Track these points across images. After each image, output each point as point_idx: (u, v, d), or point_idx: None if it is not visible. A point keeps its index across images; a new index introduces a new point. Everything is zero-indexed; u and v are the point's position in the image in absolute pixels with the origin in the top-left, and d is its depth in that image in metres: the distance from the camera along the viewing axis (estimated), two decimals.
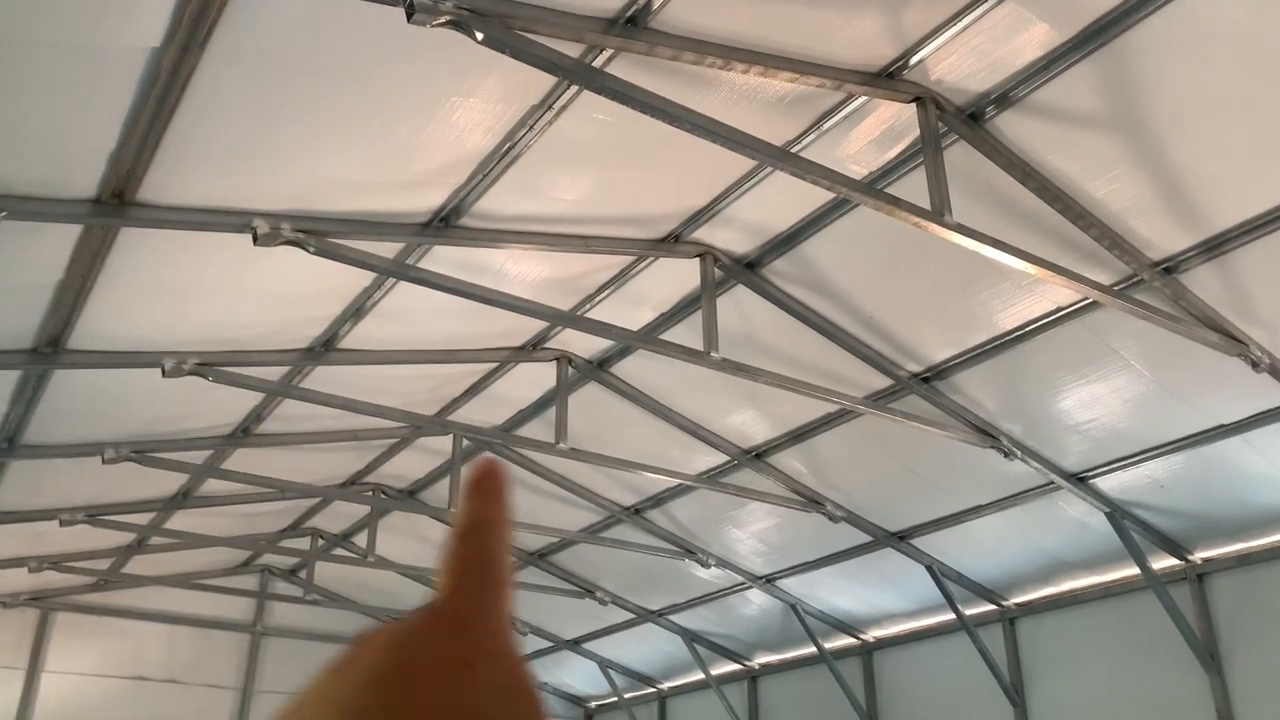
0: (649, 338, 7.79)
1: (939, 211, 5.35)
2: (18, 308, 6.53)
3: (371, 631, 0.49)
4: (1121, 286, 6.58)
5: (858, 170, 6.20)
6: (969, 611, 10.67)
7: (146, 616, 13.78)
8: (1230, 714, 8.72)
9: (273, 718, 0.45)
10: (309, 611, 14.47)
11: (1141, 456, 8.21)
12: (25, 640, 13.01)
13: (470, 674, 0.46)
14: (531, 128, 5.59)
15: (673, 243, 7.18)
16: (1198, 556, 9.23)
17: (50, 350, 6.99)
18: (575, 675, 15.62)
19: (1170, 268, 6.46)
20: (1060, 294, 6.88)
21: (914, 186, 5.75)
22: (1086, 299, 6.77)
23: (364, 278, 6.98)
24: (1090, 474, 8.54)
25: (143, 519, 11.06)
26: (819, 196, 6.54)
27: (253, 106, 5.12)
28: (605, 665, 14.90)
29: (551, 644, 14.69)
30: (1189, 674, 9.00)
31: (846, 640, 12.28)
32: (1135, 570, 9.17)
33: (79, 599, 13.38)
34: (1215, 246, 6.27)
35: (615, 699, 15.31)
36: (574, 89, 5.29)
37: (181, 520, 11.49)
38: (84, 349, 7.14)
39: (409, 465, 11.07)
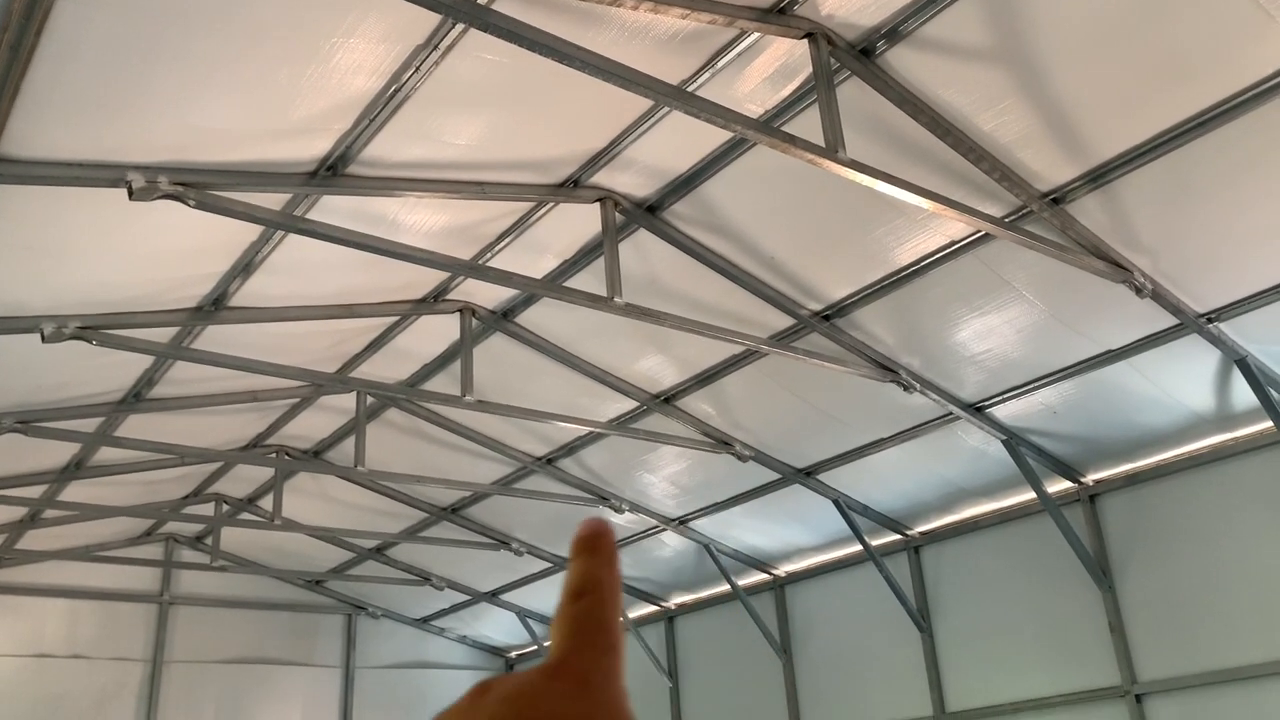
0: (552, 285, 7.71)
1: (833, 148, 5.37)
2: None
3: (492, 681, 0.51)
4: (1012, 219, 6.72)
5: (753, 109, 6.18)
6: (875, 542, 10.96)
7: (46, 592, 13.32)
8: (1121, 626, 9.16)
9: None
10: (218, 578, 14.16)
11: (1035, 384, 8.47)
12: None
13: None
14: (418, 69, 5.42)
15: (572, 187, 7.09)
16: (1089, 478, 9.61)
17: None
18: (494, 627, 15.67)
19: (1058, 199, 6.62)
20: (954, 228, 7.00)
21: (809, 124, 5.76)
22: (979, 232, 6.91)
23: (251, 232, 6.74)
24: (987, 403, 8.79)
25: (35, 492, 10.63)
26: (716, 137, 6.51)
27: (119, 52, 4.86)
28: (524, 615, 14.97)
29: (469, 597, 14.68)
30: (1083, 591, 9.41)
31: (759, 576, 12.53)
32: (1032, 495, 9.51)
33: None
34: (1099, 176, 6.43)
35: (535, 648, 15.41)
36: (460, 27, 5.14)
37: (78, 491, 11.09)
38: None
39: (312, 425, 10.84)
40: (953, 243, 7.18)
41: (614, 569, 0.57)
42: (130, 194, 5.26)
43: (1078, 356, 8.11)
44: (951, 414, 8.85)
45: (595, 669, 0.51)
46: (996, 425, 8.97)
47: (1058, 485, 9.64)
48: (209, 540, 13.76)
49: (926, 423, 9.17)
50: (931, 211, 6.12)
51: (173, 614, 14.13)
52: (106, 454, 10.40)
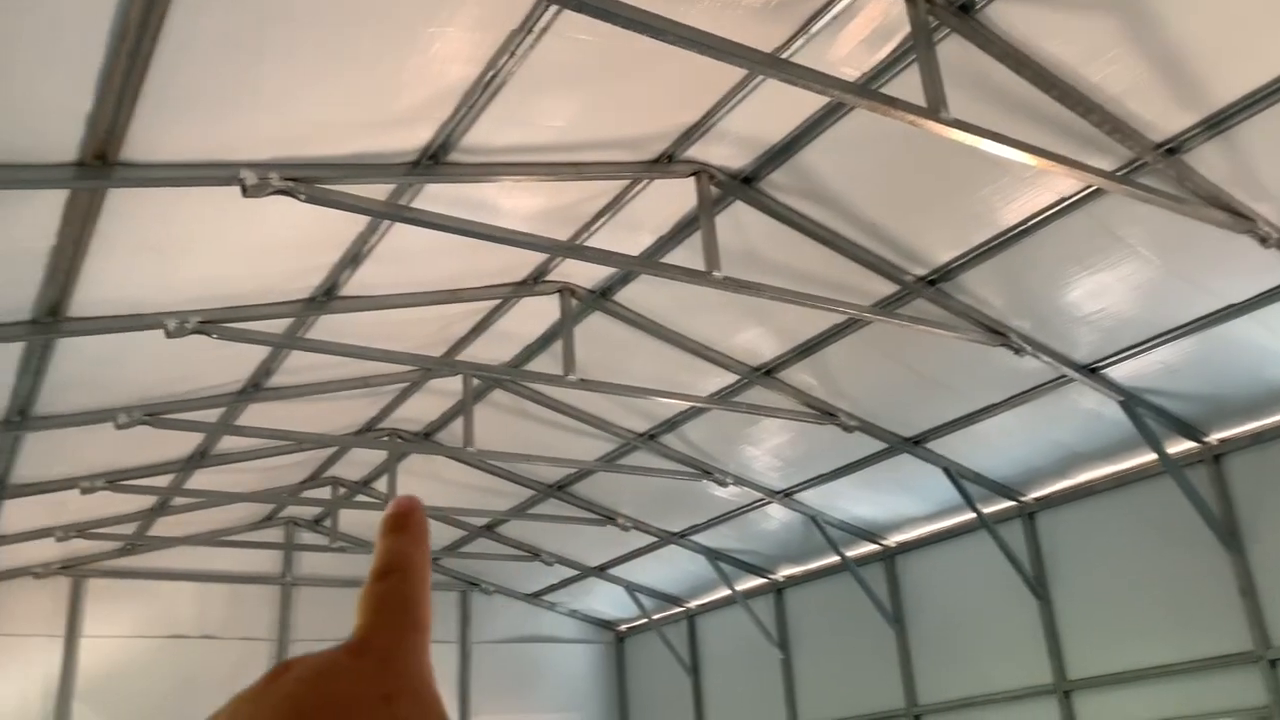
0: (649, 262, 7.73)
1: (935, 108, 5.24)
2: (13, 278, 6.48)
3: (293, 661, 0.49)
4: (1124, 171, 6.47)
5: (850, 73, 6.07)
6: (988, 510, 10.75)
7: (177, 576, 13.97)
8: (1253, 589, 8.81)
9: None
10: (336, 559, 14.65)
11: (1152, 343, 8.18)
12: (60, 608, 13.23)
13: (389, 707, 0.47)
14: (513, 54, 5.46)
15: (666, 163, 7.08)
16: (1213, 438, 9.25)
17: (51, 319, 6.95)
18: (604, 600, 15.86)
19: (1173, 148, 6.35)
20: (1063, 184, 6.78)
21: (909, 85, 5.63)
22: (1089, 187, 6.67)
23: (358, 222, 6.91)
24: (1102, 364, 8.51)
25: (163, 481, 11.14)
26: (812, 103, 6.42)
27: (228, 53, 5.01)
28: (632, 589, 15.12)
29: (578, 572, 14.88)
30: (1210, 554, 9.08)
31: (868, 547, 12.41)
32: (1151, 456, 9.20)
33: (109, 564, 13.57)
34: (1218, 123, 6.14)
35: (645, 620, 15.57)
36: (553, 9, 5.16)
37: (202, 479, 11.58)
38: (84, 315, 7.11)
39: (422, 408, 11.10)
40: (1062, 199, 6.96)
41: (422, 547, 0.55)
42: (244, 191, 5.44)
43: (1197, 312, 7.79)
44: (1065, 376, 8.60)
45: (398, 646, 0.50)
46: (1112, 386, 8.69)
47: (1179, 446, 9.30)
48: (327, 522, 14.24)
49: (1038, 386, 8.94)
50: (1039, 168, 5.93)
51: (295, 595, 14.68)
52: (228, 443, 10.82)
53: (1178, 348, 8.19)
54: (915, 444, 10.17)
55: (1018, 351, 8.21)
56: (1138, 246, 7.22)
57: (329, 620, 14.70)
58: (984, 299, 8.03)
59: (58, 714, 12.73)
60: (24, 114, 5.04)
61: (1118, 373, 8.59)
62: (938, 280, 7.94)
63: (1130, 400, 8.77)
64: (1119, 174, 6.39)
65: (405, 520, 0.56)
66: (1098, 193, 6.74)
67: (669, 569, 14.29)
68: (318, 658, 0.49)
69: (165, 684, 13.37)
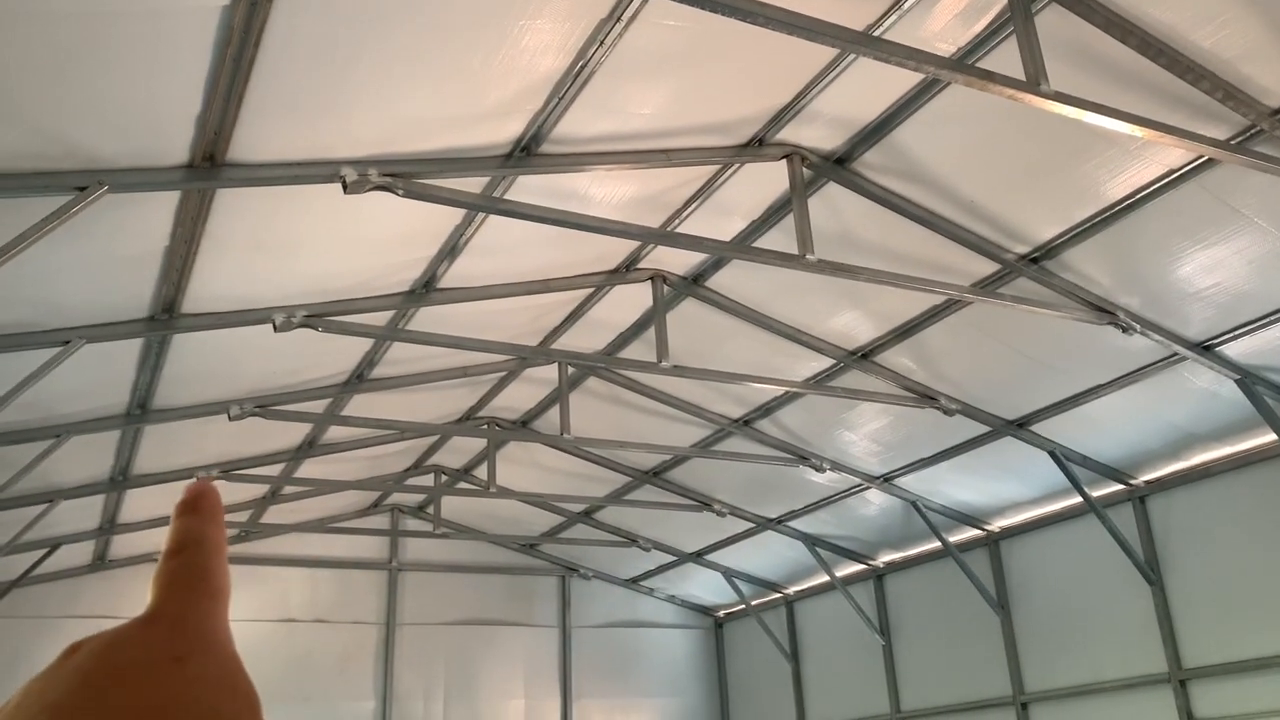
0: (742, 247, 7.69)
1: (1035, 81, 5.09)
2: (130, 277, 6.78)
3: (84, 640, 0.49)
4: (1239, 140, 6.19)
5: (945, 48, 5.93)
6: (1096, 493, 10.44)
7: (289, 562, 14.47)
8: None
9: None
10: (440, 544, 15.00)
11: (1272, 318, 7.81)
12: None
13: (180, 667, 0.47)
14: (602, 43, 5.49)
15: (757, 146, 7.03)
16: None
17: (166, 316, 7.26)
18: (702, 586, 15.90)
19: None
20: (1171, 155, 6.52)
21: (1006, 58, 5.48)
22: (1201, 158, 6.40)
23: (455, 216, 7.03)
24: (1216, 341, 8.18)
25: (274, 470, 11.54)
26: (906, 80, 6.30)
27: (326, 54, 5.15)
28: (729, 575, 15.11)
29: (675, 558, 14.94)
30: None
31: (971, 532, 12.17)
32: (1271, 436, 8.81)
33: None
34: None
35: (743, 606, 15.55)
36: None
37: (311, 468, 11.96)
38: (197, 312, 7.40)
39: (519, 396, 11.27)
40: (1171, 171, 6.69)
41: (215, 524, 0.56)
42: (345, 188, 5.59)
43: None
44: (1177, 354, 8.29)
45: (190, 611, 0.51)
46: (1228, 364, 8.34)
47: None
48: (430, 509, 14.58)
49: (1148, 365, 8.63)
50: (1146, 139, 5.72)
51: (401, 580, 15.07)
52: (335, 433, 11.16)
53: None
54: (1019, 427, 9.93)
55: (1126, 330, 7.94)
56: (1254, 217, 6.90)
57: (434, 604, 15.07)
58: (1089, 276, 7.78)
59: None
60: (139, 118, 5.26)
61: (1234, 350, 8.24)
62: (1040, 258, 7.72)
63: (1247, 378, 8.40)
64: (1233, 142, 6.11)
65: (197, 503, 0.58)
66: (1209, 163, 6.46)
67: (767, 555, 14.24)
68: (108, 632, 0.50)
69: (280, 666, 13.88)
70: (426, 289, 8.07)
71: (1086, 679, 10.69)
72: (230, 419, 8.87)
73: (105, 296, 6.94)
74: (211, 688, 0.47)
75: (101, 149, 5.33)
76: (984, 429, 10.05)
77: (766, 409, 10.66)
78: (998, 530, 11.99)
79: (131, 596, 13.50)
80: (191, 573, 0.54)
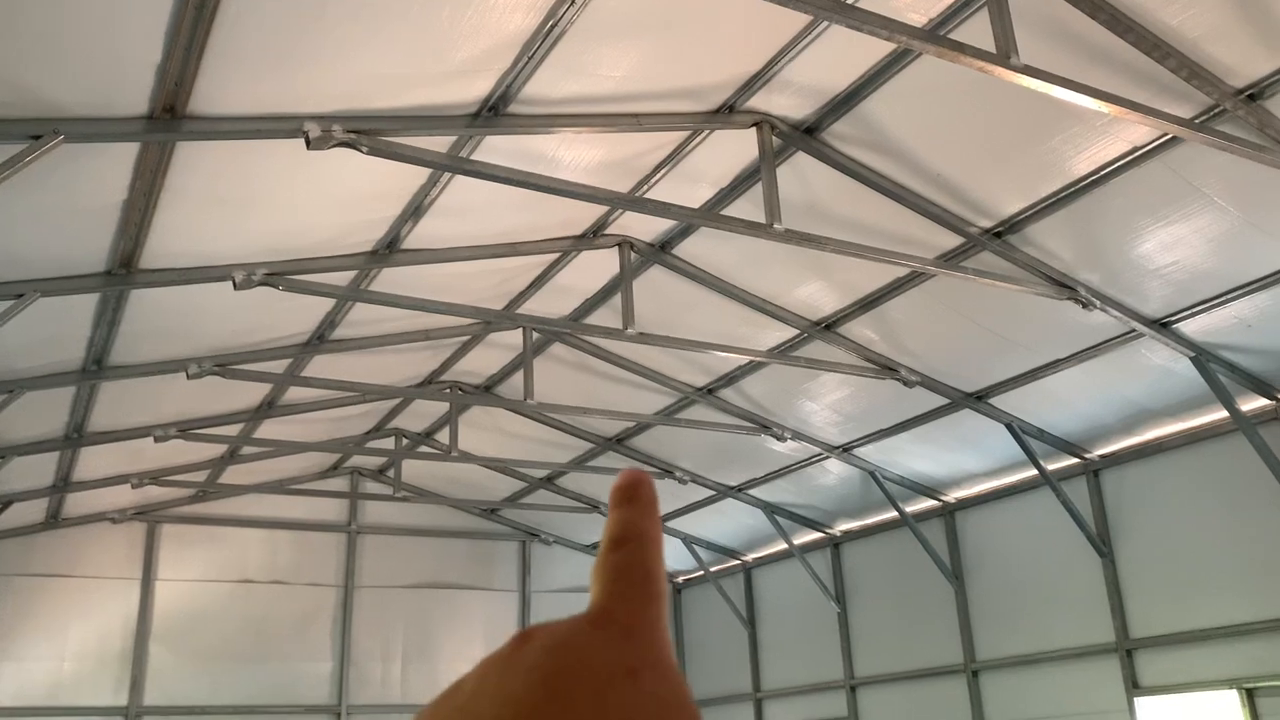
0: (710, 214, 7.68)
1: (1005, 54, 5.11)
2: (87, 231, 6.65)
3: (534, 629, 0.50)
4: (1203, 119, 6.26)
5: (916, 18, 5.92)
6: (1051, 467, 10.61)
7: (247, 523, 14.38)
8: None
9: (432, 702, 0.47)
10: (400, 508, 14.96)
11: (1227, 296, 7.95)
12: (136, 552, 13.71)
13: (633, 682, 0.47)
14: (573, 2, 5.42)
15: (727, 113, 7.00)
16: None
17: (124, 271, 7.13)
18: None
19: (1255, 94, 6.11)
20: (1137, 133, 6.58)
21: (978, 30, 5.49)
22: (1165, 135, 6.47)
23: (419, 175, 6.95)
24: (1173, 319, 8.30)
25: (232, 430, 11.43)
26: (877, 50, 6.29)
27: (290, 5, 5.04)
28: (689, 541, 15.22)
29: None
30: None
31: (928, 503, 12.33)
32: (1223, 413, 8.98)
33: (182, 510, 14.00)
34: None
35: (702, 573, 15.68)
36: None
37: (270, 429, 11.86)
38: (156, 268, 7.28)
39: (483, 361, 11.22)
40: (1136, 149, 6.75)
41: (654, 518, 0.56)
42: (307, 143, 5.50)
43: (1276, 265, 7.54)
44: (1134, 331, 8.41)
45: (639, 617, 0.51)
46: (1184, 341, 8.48)
47: (1253, 403, 9.06)
48: (391, 473, 14.52)
49: (1107, 341, 8.75)
50: (1113, 116, 5.77)
51: (361, 543, 15.03)
52: (295, 394, 11.06)
53: (1254, 302, 7.95)
54: (978, 399, 10.05)
55: (1086, 305, 8.04)
56: (1214, 197, 6.99)
57: (394, 567, 15.05)
58: (1052, 252, 7.86)
59: (136, 653, 13.24)
60: (97, 66, 5.13)
61: (1190, 327, 8.37)
62: (1004, 232, 7.78)
63: (1202, 356, 8.55)
64: (1197, 121, 6.17)
65: (635, 491, 0.57)
66: (1173, 141, 6.53)
67: (726, 522, 14.35)
68: (560, 626, 0.50)
69: (237, 626, 13.83)
70: (390, 249, 7.99)
71: (1036, 648, 10.91)
72: (189, 377, 8.76)
73: (61, 249, 6.80)
74: (663, 706, 0.47)
75: (58, 97, 5.20)
76: (943, 401, 10.16)
77: (730, 378, 10.71)
78: (954, 501, 12.16)
79: (84, 556, 13.35)
80: (635, 571, 0.53)
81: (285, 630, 14.17)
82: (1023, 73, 5.10)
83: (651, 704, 0.46)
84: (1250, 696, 8.95)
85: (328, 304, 8.80)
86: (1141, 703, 9.74)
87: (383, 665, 14.56)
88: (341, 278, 8.22)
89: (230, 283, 7.22)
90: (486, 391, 11.96)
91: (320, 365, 10.09)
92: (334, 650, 14.34)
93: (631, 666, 0.47)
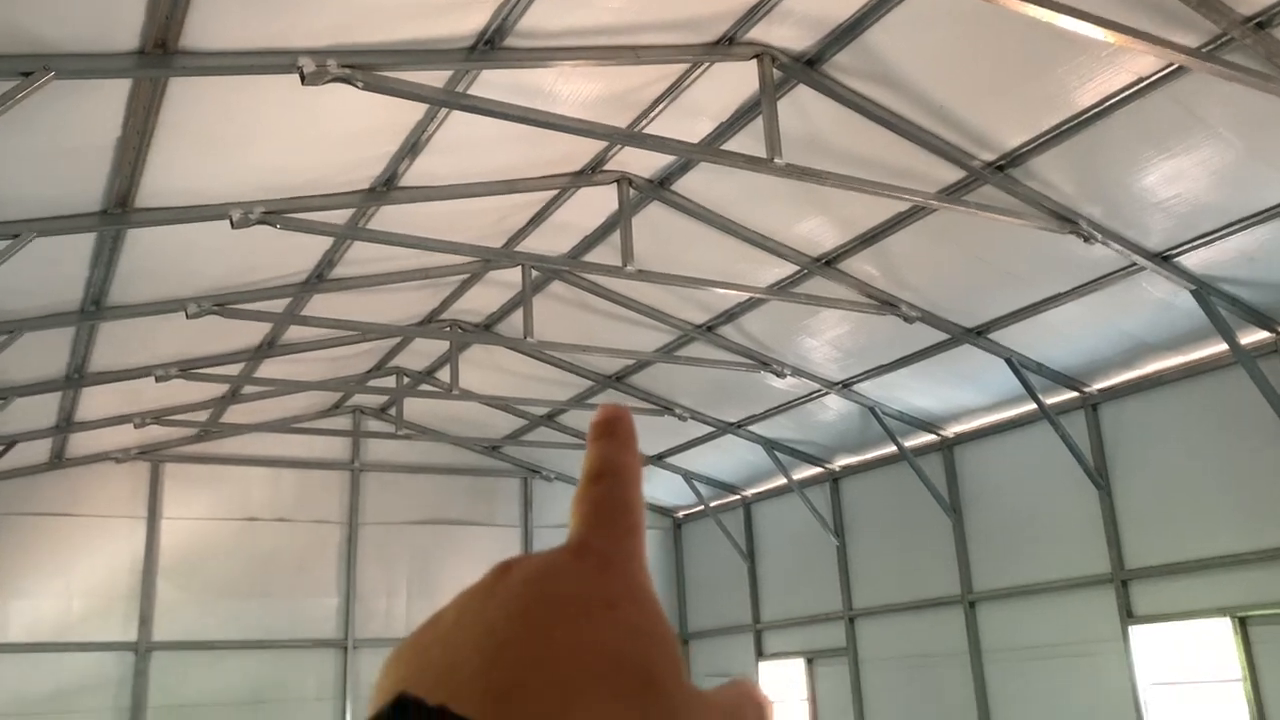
0: (709, 149, 7.61)
1: None
2: (81, 170, 6.59)
3: (513, 561, 0.50)
4: (1209, 48, 6.17)
5: None
6: (1050, 401, 10.65)
7: (251, 462, 14.46)
8: None
9: (412, 634, 0.47)
10: (402, 446, 15.06)
11: (1229, 229, 7.91)
12: (141, 491, 13.81)
13: (611, 613, 0.47)
14: None
15: (727, 45, 6.89)
16: None
17: (120, 210, 7.08)
18: (662, 488, 16.14)
19: (1263, 22, 6.02)
20: (1142, 63, 6.49)
21: None
22: (1170, 66, 6.38)
23: (416, 111, 6.87)
24: (1175, 252, 8.27)
25: (233, 370, 11.45)
26: None
27: None
28: (689, 477, 15.34)
29: None
30: None
31: (927, 438, 12.41)
32: (1223, 347, 9.00)
33: (185, 449, 14.08)
34: None
35: (702, 508, 15.84)
36: None
37: (271, 369, 11.88)
38: (151, 206, 7.22)
39: (482, 299, 11.19)
40: (1140, 80, 6.67)
41: (633, 452, 0.56)
42: (302, 79, 5.42)
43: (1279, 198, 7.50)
44: (1135, 264, 8.38)
45: (617, 549, 0.51)
46: (1185, 274, 8.46)
47: (1253, 336, 9.07)
48: (392, 411, 14.58)
49: (1107, 275, 8.73)
50: (1117, 45, 5.68)
51: (364, 480, 15.14)
52: (295, 333, 11.05)
53: (1256, 234, 7.92)
54: (978, 334, 10.05)
55: (1087, 239, 8.00)
56: (1219, 128, 6.92)
57: (397, 504, 15.18)
58: (1054, 185, 7.80)
59: (144, 590, 13.41)
60: (87, 3, 5.04)
61: (1191, 260, 8.35)
62: (1006, 166, 7.72)
63: (1203, 289, 8.54)
64: (1203, 51, 6.09)
65: (613, 426, 0.57)
66: (1179, 71, 6.44)
67: (726, 458, 14.45)
68: (539, 558, 0.50)
69: (243, 563, 14.00)
70: (387, 187, 7.92)
71: (1032, 579, 11.06)
72: (188, 317, 8.74)
73: (55, 189, 6.75)
74: (641, 636, 0.47)
75: (47, 32, 5.11)
76: (943, 336, 10.17)
77: (730, 315, 10.70)
78: (952, 436, 12.23)
79: (89, 495, 13.46)
80: (614, 504, 0.53)
81: (291, 566, 14.34)
82: (1027, 0, 5.01)
83: (629, 634, 0.46)
84: (1243, 625, 9.10)
85: (326, 243, 8.75)
86: (1135, 631, 9.90)
87: (388, 600, 14.76)
88: (339, 216, 8.17)
89: (227, 221, 7.17)
90: (486, 330, 11.95)
91: (320, 305, 10.07)
92: (339, 586, 14.53)
93: (609, 598, 0.48)
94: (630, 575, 0.50)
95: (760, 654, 14.85)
